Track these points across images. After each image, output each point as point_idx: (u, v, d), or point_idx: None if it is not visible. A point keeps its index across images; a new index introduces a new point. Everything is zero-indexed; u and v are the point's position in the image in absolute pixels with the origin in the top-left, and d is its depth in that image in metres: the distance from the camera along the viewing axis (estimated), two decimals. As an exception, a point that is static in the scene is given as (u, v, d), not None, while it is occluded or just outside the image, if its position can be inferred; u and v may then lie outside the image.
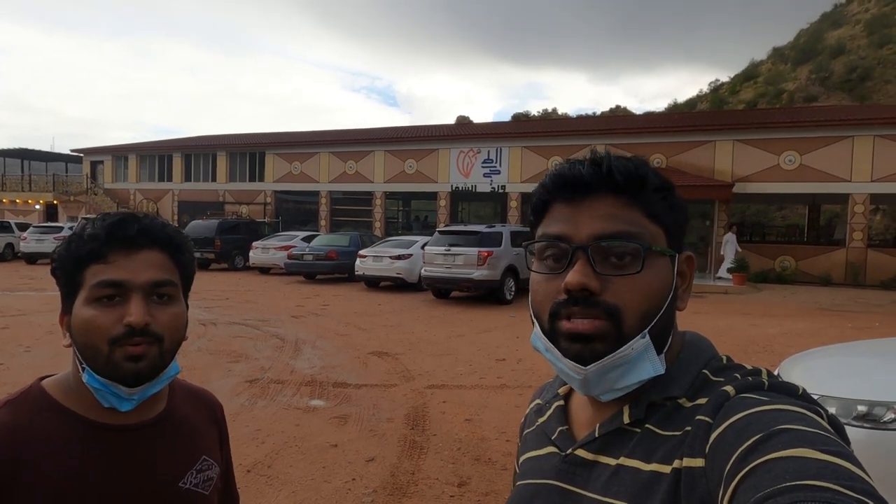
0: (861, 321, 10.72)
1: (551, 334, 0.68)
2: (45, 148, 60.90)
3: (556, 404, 0.81)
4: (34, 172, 34.14)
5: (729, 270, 16.58)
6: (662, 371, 0.66)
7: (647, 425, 0.67)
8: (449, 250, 12.67)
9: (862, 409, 2.96)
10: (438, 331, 9.30)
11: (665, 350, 0.69)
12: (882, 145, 17.80)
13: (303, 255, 17.01)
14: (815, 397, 0.62)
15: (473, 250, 12.37)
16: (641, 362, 0.65)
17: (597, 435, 0.70)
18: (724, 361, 0.70)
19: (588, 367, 0.65)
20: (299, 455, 4.17)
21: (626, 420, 0.68)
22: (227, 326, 9.24)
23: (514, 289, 12.95)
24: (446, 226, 18.33)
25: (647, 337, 0.65)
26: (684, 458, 0.60)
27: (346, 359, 7.24)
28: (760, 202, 32.52)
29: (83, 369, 0.86)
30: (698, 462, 0.59)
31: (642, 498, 0.62)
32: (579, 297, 0.65)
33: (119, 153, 32.37)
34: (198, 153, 30.43)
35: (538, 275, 0.71)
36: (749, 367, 0.68)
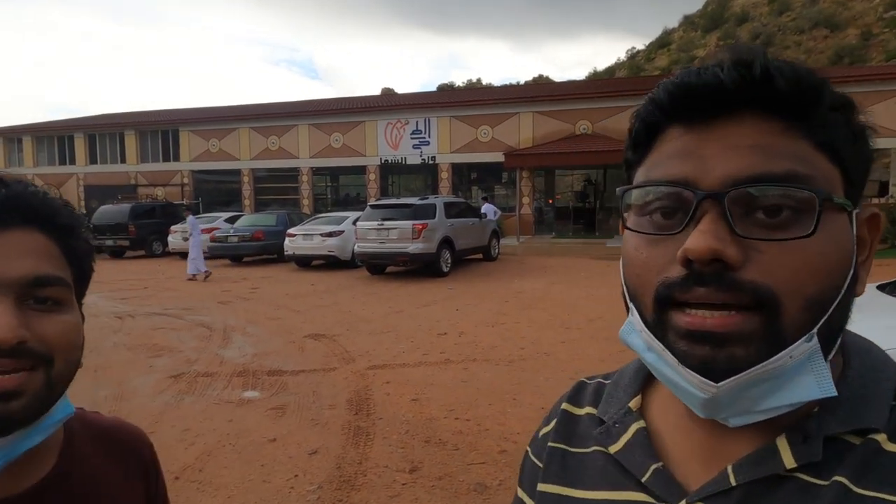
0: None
1: (658, 327, 0.45)
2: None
3: (635, 426, 0.55)
4: None
5: None
6: (834, 393, 0.42)
7: (836, 477, 0.42)
8: (382, 224, 12.33)
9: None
10: (376, 308, 9.03)
11: (830, 358, 0.44)
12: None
13: (227, 236, 16.16)
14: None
15: (408, 223, 12.09)
16: (802, 376, 0.42)
17: (734, 483, 0.45)
18: None
19: (721, 383, 0.42)
20: (234, 454, 3.83)
21: (791, 463, 0.44)
22: (146, 318, 8.57)
23: (450, 261, 12.82)
24: (377, 199, 17.93)
25: (815, 338, 0.42)
26: None
27: (280, 344, 6.85)
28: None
29: None
30: None
31: None
32: (707, 272, 0.42)
33: (11, 135, 29.45)
34: (103, 133, 28.17)
35: (638, 237, 0.47)
36: None
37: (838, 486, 0.42)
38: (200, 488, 3.36)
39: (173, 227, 18.02)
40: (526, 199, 21.60)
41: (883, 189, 14.92)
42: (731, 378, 0.42)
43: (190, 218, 13.80)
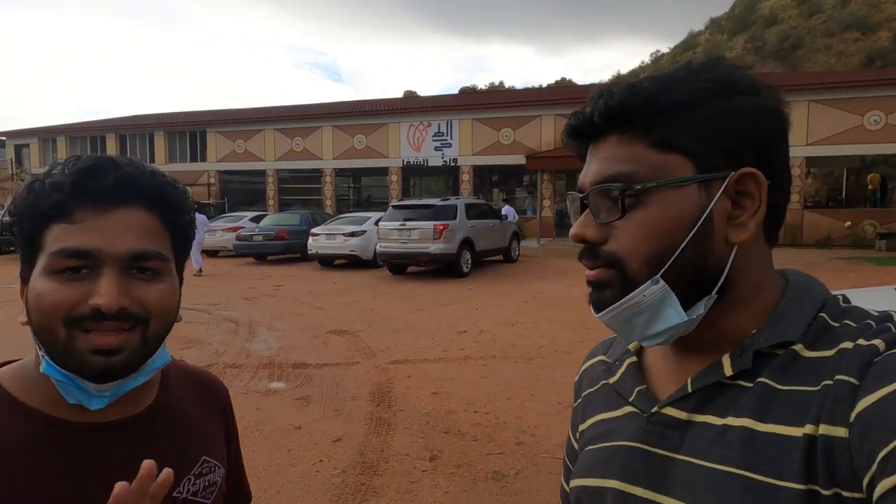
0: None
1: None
2: (-38, 132, 56.27)
3: (628, 361, 0.72)
4: (-50, 158, 31.69)
5: None
6: (685, 319, 0.58)
7: (760, 378, 0.56)
8: (404, 225, 12.49)
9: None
10: (397, 306, 9.18)
11: (714, 294, 0.58)
12: (816, 110, 18.55)
13: (252, 235, 16.50)
14: None
15: (429, 224, 12.22)
16: (665, 308, 0.59)
17: (690, 390, 0.60)
18: (841, 302, 0.60)
19: (599, 314, 0.62)
20: (262, 440, 4.00)
21: (729, 372, 0.58)
22: (175, 312, 8.83)
23: (470, 261, 12.91)
24: (399, 200, 18.11)
25: (662, 282, 0.58)
26: (821, 424, 0.50)
27: (304, 339, 7.04)
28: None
29: (42, 356, 0.67)
30: (839, 431, 0.49)
31: (766, 464, 0.52)
32: (586, 246, 0.63)
33: (46, 135, 30.40)
34: (133, 133, 28.93)
35: None
36: (875, 311, 0.57)
37: (762, 385, 0.56)
38: (231, 470, 3.53)
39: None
40: (547, 202, 21.61)
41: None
42: (606, 310, 0.60)
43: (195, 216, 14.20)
